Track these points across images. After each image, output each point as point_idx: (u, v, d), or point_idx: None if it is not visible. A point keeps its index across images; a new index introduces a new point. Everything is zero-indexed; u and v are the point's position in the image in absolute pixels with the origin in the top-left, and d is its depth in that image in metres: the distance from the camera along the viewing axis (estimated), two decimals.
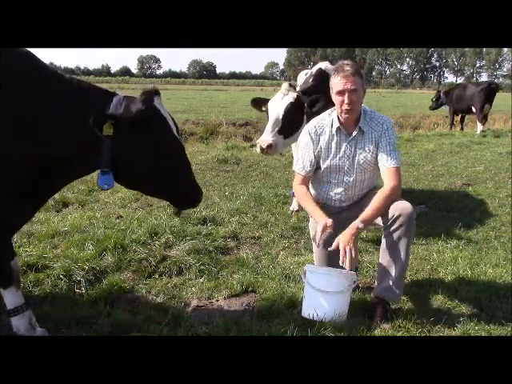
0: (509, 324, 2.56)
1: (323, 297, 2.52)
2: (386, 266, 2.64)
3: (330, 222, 2.53)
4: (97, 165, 2.14)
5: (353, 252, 2.42)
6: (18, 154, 2.00)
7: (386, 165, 2.72)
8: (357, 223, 2.53)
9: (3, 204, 2.05)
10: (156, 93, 2.17)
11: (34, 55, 2.10)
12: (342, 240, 2.45)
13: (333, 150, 2.82)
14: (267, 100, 3.99)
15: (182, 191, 2.32)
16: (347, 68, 2.61)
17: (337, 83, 2.65)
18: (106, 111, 2.05)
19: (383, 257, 2.66)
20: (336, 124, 2.79)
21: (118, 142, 2.08)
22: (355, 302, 2.76)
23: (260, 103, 4.06)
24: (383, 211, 2.62)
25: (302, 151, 2.89)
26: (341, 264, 2.44)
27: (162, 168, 2.20)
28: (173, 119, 2.26)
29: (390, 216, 2.59)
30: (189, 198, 2.38)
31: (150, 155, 2.15)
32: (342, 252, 2.42)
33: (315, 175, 2.95)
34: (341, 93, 2.64)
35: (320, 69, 4.34)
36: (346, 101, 2.62)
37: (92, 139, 2.03)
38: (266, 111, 3.91)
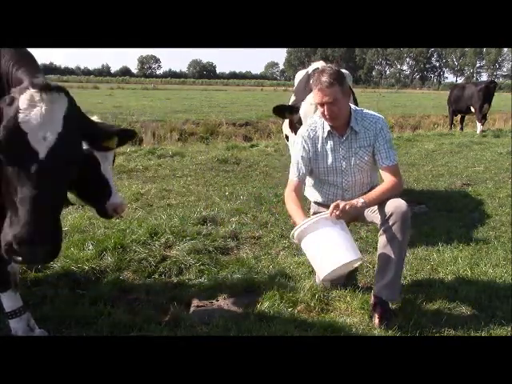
0: (509, 324, 2.56)
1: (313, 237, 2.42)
2: (382, 264, 2.65)
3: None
4: None
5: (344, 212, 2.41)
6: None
7: (386, 163, 2.73)
8: (358, 199, 2.52)
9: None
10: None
11: None
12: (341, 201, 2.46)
13: (328, 152, 2.82)
14: (291, 106, 3.67)
15: None
16: (324, 79, 2.59)
17: (315, 95, 2.68)
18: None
19: (379, 255, 2.67)
20: (327, 127, 2.79)
21: None
22: (355, 302, 2.76)
23: (284, 110, 3.69)
24: (385, 198, 2.62)
25: (295, 157, 2.88)
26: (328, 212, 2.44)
27: None
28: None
29: (384, 214, 2.60)
30: None
31: None
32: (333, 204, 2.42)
33: (314, 178, 2.95)
34: (320, 105, 2.67)
35: (317, 69, 4.33)
36: (325, 112, 2.66)
37: None
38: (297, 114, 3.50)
